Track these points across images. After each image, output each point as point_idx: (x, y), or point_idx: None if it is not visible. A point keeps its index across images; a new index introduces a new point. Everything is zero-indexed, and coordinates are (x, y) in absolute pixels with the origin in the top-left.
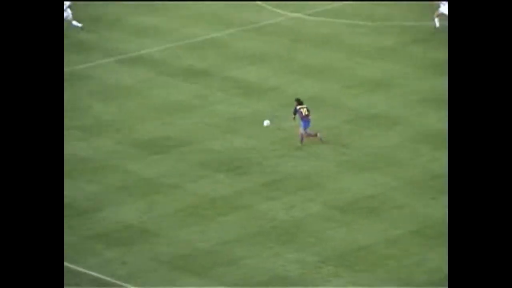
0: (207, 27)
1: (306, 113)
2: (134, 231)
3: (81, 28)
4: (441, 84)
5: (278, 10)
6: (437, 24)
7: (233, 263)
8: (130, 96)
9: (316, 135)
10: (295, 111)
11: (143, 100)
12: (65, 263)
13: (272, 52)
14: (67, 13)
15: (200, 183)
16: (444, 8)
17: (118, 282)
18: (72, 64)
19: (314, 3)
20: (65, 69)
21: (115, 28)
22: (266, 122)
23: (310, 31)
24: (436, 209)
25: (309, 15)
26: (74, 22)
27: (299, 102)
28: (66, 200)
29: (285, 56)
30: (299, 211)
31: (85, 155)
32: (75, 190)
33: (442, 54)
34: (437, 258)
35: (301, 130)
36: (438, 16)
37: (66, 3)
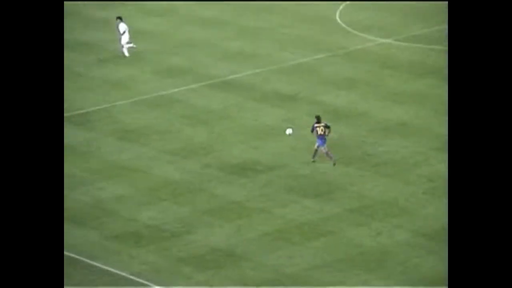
0: (295, 52)
1: (321, 132)
2: (221, 254)
3: (135, 47)
4: None
5: (367, 35)
6: None
7: None
8: (219, 120)
9: (332, 159)
10: (313, 129)
11: (232, 124)
12: (154, 285)
13: (360, 77)
14: (124, 37)
15: (287, 208)
16: None
17: None
18: (165, 88)
19: (403, 29)
20: (158, 93)
21: (206, 53)
22: (289, 131)
23: (399, 56)
24: None
25: (398, 40)
26: (129, 45)
27: (318, 120)
28: (156, 222)
29: (373, 82)
30: (386, 237)
31: (175, 178)
32: (165, 212)
33: None
34: None
35: (321, 148)
36: None
37: (121, 28)
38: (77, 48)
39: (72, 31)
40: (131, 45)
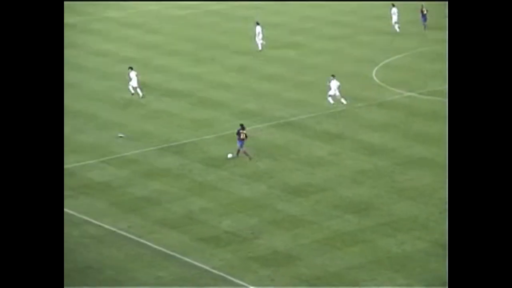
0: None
1: (243, 137)
2: (281, 255)
3: (143, 96)
4: None
5: (396, 90)
6: None
7: (355, 284)
8: (281, 152)
9: (248, 156)
10: (238, 132)
11: (291, 155)
12: (229, 277)
13: (391, 122)
14: (133, 81)
15: (332, 221)
16: None
17: None
18: (238, 127)
19: (425, 85)
20: (234, 131)
21: (271, 101)
22: (230, 155)
23: (422, 106)
24: None
25: (421, 94)
26: (136, 89)
27: (242, 128)
28: (232, 229)
29: (401, 126)
30: (409, 246)
31: (247, 196)
32: (239, 222)
33: None
34: None
35: (239, 147)
36: None
37: (132, 75)
38: (174, 94)
39: (169, 82)
40: (139, 92)
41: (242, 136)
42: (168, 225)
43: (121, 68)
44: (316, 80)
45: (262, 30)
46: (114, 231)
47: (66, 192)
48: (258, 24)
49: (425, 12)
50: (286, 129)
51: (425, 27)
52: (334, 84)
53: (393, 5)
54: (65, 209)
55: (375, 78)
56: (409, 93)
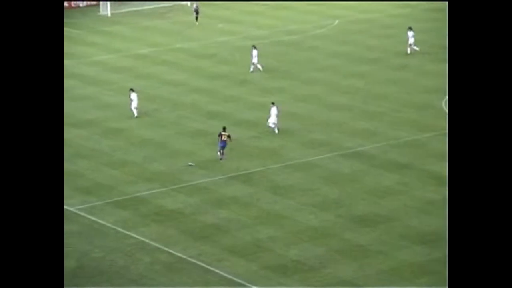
0: (408, 130)
1: (225, 138)
2: (347, 285)
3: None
4: None
5: None
6: None
7: None
8: (348, 182)
9: (221, 156)
10: (219, 134)
11: (358, 185)
12: None
13: None
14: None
15: (400, 251)
16: None
17: None
18: (307, 156)
19: None
20: (302, 160)
21: (339, 130)
22: (191, 163)
23: None
24: None
25: None
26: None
27: (224, 130)
28: (299, 258)
29: None
30: None
31: (314, 225)
32: (306, 251)
33: None
34: None
35: (219, 148)
36: None
37: (133, 97)
38: (242, 124)
39: (239, 112)
40: (135, 112)
41: (223, 138)
42: (236, 253)
43: (194, 98)
44: (383, 110)
45: (257, 54)
46: (184, 258)
47: (138, 220)
48: (254, 47)
49: None
50: (354, 159)
51: None
52: (274, 111)
53: (410, 28)
54: (137, 236)
55: (444, 108)
56: None
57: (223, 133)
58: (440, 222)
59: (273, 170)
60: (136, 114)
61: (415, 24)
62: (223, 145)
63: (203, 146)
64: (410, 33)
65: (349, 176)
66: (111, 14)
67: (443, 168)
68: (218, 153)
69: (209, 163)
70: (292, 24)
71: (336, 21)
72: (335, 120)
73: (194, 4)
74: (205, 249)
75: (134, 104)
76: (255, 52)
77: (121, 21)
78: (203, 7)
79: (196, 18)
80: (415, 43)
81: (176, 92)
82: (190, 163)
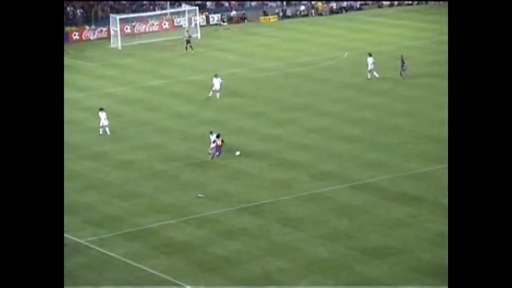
0: (420, 162)
1: (219, 144)
2: None
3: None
4: None
5: None
6: None
7: None
8: (359, 213)
9: (212, 158)
10: (213, 141)
11: (369, 216)
12: None
13: None
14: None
15: (411, 285)
16: None
17: None
18: (318, 188)
19: None
20: (313, 191)
21: (350, 162)
22: (237, 153)
23: None
24: None
25: None
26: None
27: (217, 136)
28: None
29: None
30: None
31: (324, 257)
32: (316, 283)
33: None
34: None
35: (212, 151)
36: None
37: (102, 116)
38: (253, 155)
39: (250, 144)
40: (107, 131)
41: (218, 143)
42: (246, 285)
43: (203, 130)
44: (394, 142)
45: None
46: None
47: (147, 252)
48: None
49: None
50: (364, 191)
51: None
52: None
53: (370, 55)
54: (146, 269)
55: None
56: None
57: (216, 139)
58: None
59: (283, 201)
60: (103, 133)
61: (426, 56)
62: (218, 150)
63: (212, 178)
64: (370, 60)
65: (360, 208)
66: (122, 47)
67: None
68: (211, 156)
69: (218, 194)
70: (303, 56)
71: (346, 53)
72: (346, 151)
73: (186, 34)
74: (215, 281)
75: (105, 122)
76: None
77: (132, 54)
78: (213, 39)
79: (187, 47)
80: (375, 69)
81: (186, 123)
82: (199, 195)
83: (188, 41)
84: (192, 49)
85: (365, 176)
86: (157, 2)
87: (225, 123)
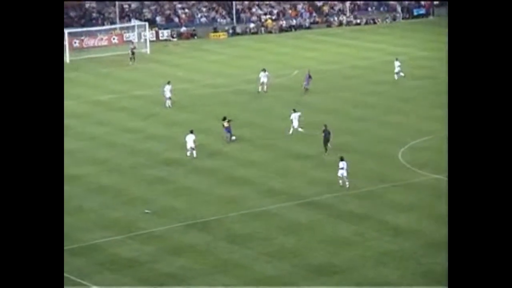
0: (365, 182)
1: (227, 125)
2: None
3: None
4: None
5: (422, 172)
6: None
7: None
8: (305, 231)
9: (230, 140)
10: (223, 125)
11: (315, 234)
12: None
13: (416, 203)
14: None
15: None
16: None
17: None
18: (265, 205)
19: None
20: (260, 208)
21: (297, 179)
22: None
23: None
24: None
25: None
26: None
27: (223, 119)
28: None
29: (427, 208)
30: None
31: (271, 274)
32: None
33: None
34: None
35: (227, 135)
36: None
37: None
38: (200, 171)
39: (196, 160)
40: None
41: (226, 125)
42: None
43: (150, 145)
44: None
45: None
46: None
47: (92, 268)
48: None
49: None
50: (311, 208)
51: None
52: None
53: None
54: (90, 285)
55: (401, 159)
56: (435, 175)
57: (223, 121)
58: (395, 273)
59: (231, 218)
60: None
61: (374, 75)
62: (228, 131)
63: (160, 194)
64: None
65: (307, 226)
66: (70, 60)
67: (400, 219)
68: (228, 139)
69: (166, 210)
70: (252, 74)
71: (296, 71)
72: (293, 168)
73: (132, 44)
74: None
75: None
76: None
77: (80, 68)
78: (163, 55)
79: (131, 58)
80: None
81: (134, 138)
82: (146, 211)
83: (132, 53)
84: (134, 60)
85: (312, 193)
86: (106, 17)
87: (174, 138)
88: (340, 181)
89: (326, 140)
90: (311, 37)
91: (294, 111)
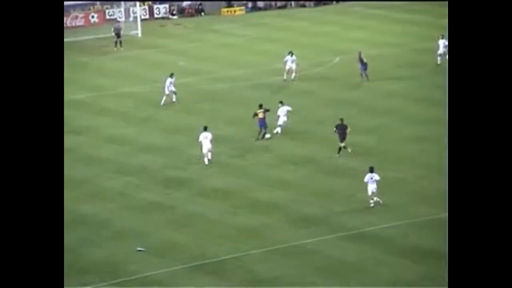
0: (430, 206)
1: (262, 116)
2: None
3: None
4: None
5: None
6: None
7: None
8: (354, 273)
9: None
10: (255, 114)
11: (368, 278)
12: None
13: None
14: None
15: None
16: None
17: None
18: (299, 238)
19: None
20: (292, 243)
21: (342, 204)
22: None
23: None
24: None
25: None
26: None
27: (260, 107)
28: None
29: None
30: None
31: None
32: None
33: None
34: None
35: (263, 129)
36: None
37: None
38: (210, 194)
39: (204, 178)
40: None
41: (260, 115)
42: None
43: (143, 159)
44: (401, 176)
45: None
46: None
47: None
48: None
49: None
50: (362, 242)
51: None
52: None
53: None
54: None
55: None
56: None
57: (258, 111)
58: None
59: (252, 257)
60: None
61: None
62: (262, 123)
63: (157, 225)
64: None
65: (356, 266)
66: None
67: None
68: (259, 135)
69: (165, 248)
70: (279, 62)
71: (337, 58)
72: (336, 189)
73: (116, 24)
74: None
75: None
76: None
77: None
78: (159, 38)
79: (116, 42)
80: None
81: (122, 151)
82: (139, 248)
83: (118, 35)
84: (121, 46)
85: (363, 223)
86: None
87: (174, 150)
88: (372, 201)
89: (342, 138)
90: (360, 10)
91: (282, 104)
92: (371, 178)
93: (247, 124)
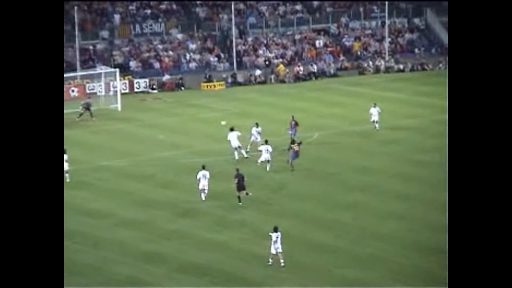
0: (412, 281)
1: (296, 149)
2: None
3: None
4: None
5: None
6: None
7: None
8: None
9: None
10: (289, 148)
11: None
12: None
13: None
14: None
15: None
16: None
17: None
18: None
19: None
20: None
21: (318, 279)
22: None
23: None
24: None
25: None
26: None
27: (292, 142)
28: None
29: None
30: None
31: None
32: None
33: None
34: None
35: (290, 159)
36: None
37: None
38: (189, 270)
39: (183, 254)
40: None
41: (296, 148)
42: None
43: (121, 236)
44: (380, 254)
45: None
46: None
47: None
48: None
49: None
50: None
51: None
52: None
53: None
54: None
55: None
56: None
57: (292, 145)
58: None
59: None
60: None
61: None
62: (294, 155)
63: None
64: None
65: None
66: None
67: None
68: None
69: None
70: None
71: (316, 134)
72: (316, 264)
73: (85, 100)
74: None
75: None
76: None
77: None
78: (138, 112)
79: (82, 114)
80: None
81: (98, 225)
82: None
83: (87, 108)
84: (92, 116)
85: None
86: (64, 61)
87: (151, 224)
88: (270, 259)
89: (241, 188)
90: (337, 88)
91: (257, 125)
92: (277, 237)
93: (227, 201)
